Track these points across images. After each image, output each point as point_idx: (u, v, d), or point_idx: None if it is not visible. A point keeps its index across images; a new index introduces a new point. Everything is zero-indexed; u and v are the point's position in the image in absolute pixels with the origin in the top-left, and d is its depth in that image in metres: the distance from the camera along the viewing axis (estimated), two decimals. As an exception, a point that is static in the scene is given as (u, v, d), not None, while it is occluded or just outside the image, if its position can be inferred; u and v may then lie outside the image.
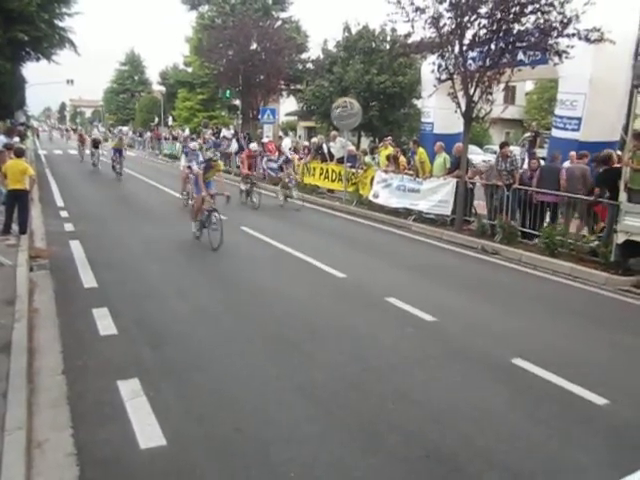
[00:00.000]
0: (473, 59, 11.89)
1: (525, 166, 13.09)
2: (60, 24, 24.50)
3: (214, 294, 7.42)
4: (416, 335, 6.13)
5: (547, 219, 11.15)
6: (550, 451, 3.97)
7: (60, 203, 14.79)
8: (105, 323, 6.08)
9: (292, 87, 36.46)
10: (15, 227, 9.93)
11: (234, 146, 25.05)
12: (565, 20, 10.60)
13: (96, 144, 25.30)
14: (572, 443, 4.08)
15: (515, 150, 15.63)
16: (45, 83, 49.32)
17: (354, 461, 3.75)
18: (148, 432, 3.97)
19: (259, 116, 23.37)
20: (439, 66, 12.07)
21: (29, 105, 53.90)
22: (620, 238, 8.94)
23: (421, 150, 14.37)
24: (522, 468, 3.74)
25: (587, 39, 10.59)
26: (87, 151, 28.51)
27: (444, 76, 12.15)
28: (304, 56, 36.07)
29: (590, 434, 4.21)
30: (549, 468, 3.77)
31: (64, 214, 13.03)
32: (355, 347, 5.71)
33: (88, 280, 7.71)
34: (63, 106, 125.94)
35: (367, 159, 16.27)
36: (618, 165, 10.01)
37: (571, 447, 4.03)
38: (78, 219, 12.30)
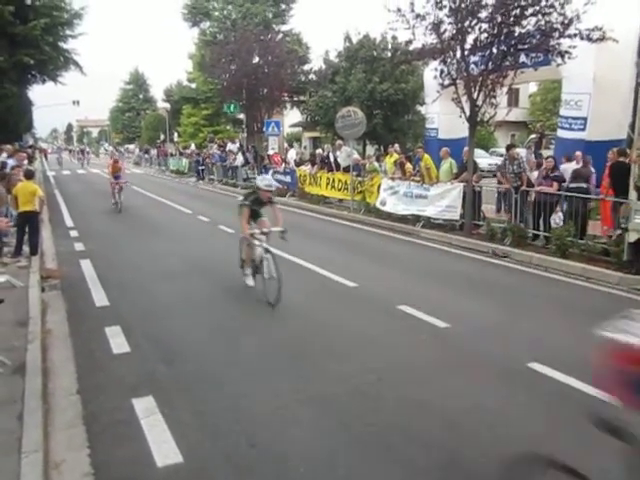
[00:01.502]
0: (475, 63, 11.91)
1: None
2: (64, 46, 24.84)
3: (225, 309, 7.41)
4: (430, 342, 6.09)
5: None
6: (573, 456, 3.90)
7: (70, 223, 14.89)
8: (118, 341, 6.09)
9: (295, 98, 36.63)
10: (26, 249, 10.00)
11: (240, 159, 25.23)
12: (566, 21, 10.59)
13: (260, 207, 8.16)
14: (595, 447, 4.01)
15: (521, 152, 15.57)
16: (51, 105, 50.00)
17: (372, 473, 3.71)
18: (164, 450, 3.96)
19: (264, 129, 23.47)
20: (441, 72, 12.10)
21: (36, 127, 54.74)
22: (632, 237, 8.87)
23: (426, 156, 14.35)
24: (543, 474, 3.68)
25: (589, 39, 10.57)
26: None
27: (447, 81, 12.18)
28: (306, 67, 36.28)
29: (613, 438, 4.14)
30: (571, 473, 3.71)
31: (74, 234, 13.12)
32: (369, 357, 5.67)
33: (100, 299, 7.74)
34: (70, 127, 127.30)
35: (375, 164, 16.32)
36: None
37: (594, 451, 3.96)
38: (88, 238, 12.37)
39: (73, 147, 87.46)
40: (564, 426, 4.29)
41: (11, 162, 13.83)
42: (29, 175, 10.51)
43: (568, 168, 11.95)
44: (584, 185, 10.73)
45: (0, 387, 4.77)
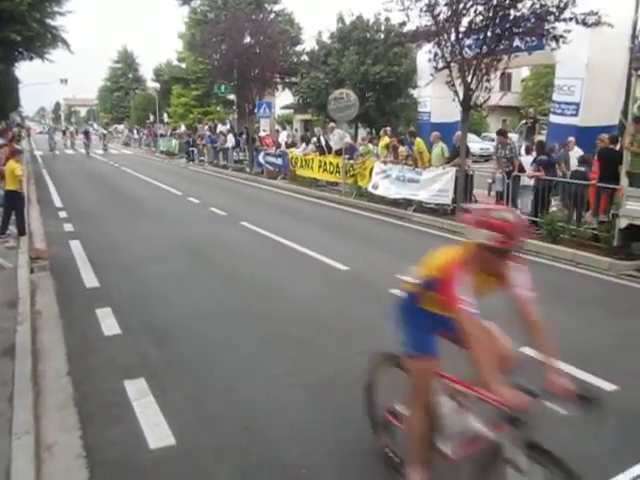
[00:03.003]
0: (469, 47, 11.82)
1: (523, 152, 12.99)
2: (52, 23, 24.35)
3: (217, 291, 7.38)
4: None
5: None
6: (563, 440, 3.94)
7: (58, 203, 14.72)
8: (109, 323, 6.05)
9: (287, 80, 36.24)
10: (13, 229, 9.88)
11: (231, 141, 25.01)
12: (561, 4, 10.52)
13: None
14: (584, 432, 4.05)
15: (513, 137, 15.58)
16: (39, 83, 49.23)
17: (369, 458, 3.72)
18: (157, 432, 3.95)
19: (255, 110, 23.26)
20: (435, 55, 12.00)
21: (23, 106, 53.67)
22: (622, 223, 8.92)
23: (419, 140, 14.31)
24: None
25: (584, 23, 10.51)
26: None
27: (441, 65, 12.09)
28: (298, 48, 35.86)
29: (600, 421, 4.18)
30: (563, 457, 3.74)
31: (63, 214, 12.97)
32: (362, 340, 5.66)
33: (90, 280, 7.67)
34: (57, 106, 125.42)
35: (369, 146, 16.23)
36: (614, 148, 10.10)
37: (581, 435, 4.00)
38: (77, 219, 12.25)
39: (68, 126, 67.65)
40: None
41: (-1, 141, 13.63)
42: (12, 153, 10.33)
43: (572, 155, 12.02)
44: (582, 169, 10.73)
45: (-10, 368, 4.72)
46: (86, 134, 36.70)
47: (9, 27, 20.96)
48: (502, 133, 12.63)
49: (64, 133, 48.41)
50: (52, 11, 24.09)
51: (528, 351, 3.80)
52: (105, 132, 49.81)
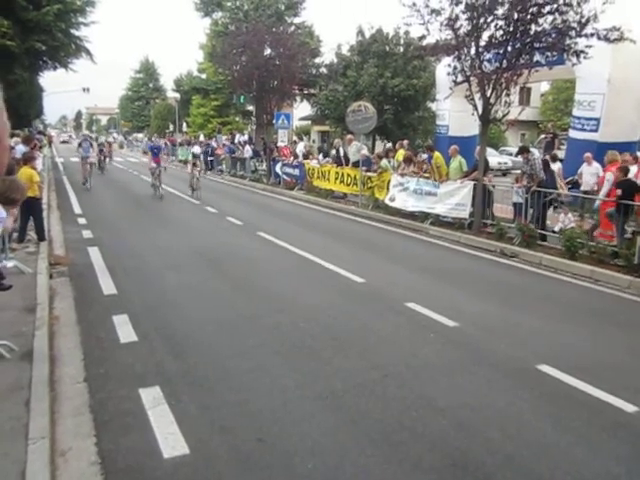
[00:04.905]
0: (489, 61, 11.80)
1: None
2: (76, 33, 24.78)
3: (234, 301, 7.39)
4: (438, 341, 6.05)
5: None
6: (580, 460, 3.87)
7: (78, 210, 14.91)
8: (125, 330, 6.08)
9: (306, 92, 36.51)
10: (33, 235, 10.00)
11: (249, 151, 25.20)
12: (583, 20, 10.47)
13: None
14: (602, 451, 3.98)
15: (536, 152, 15.50)
16: (61, 92, 50.07)
17: (379, 471, 3.69)
18: (171, 441, 3.95)
19: (273, 121, 23.44)
20: (455, 68, 12.00)
21: (46, 114, 54.61)
22: (643, 240, 8.81)
23: (437, 154, 14.29)
24: (552, 477, 3.65)
25: (607, 39, 10.44)
26: None
27: (460, 78, 12.08)
28: (317, 61, 36.14)
29: (620, 442, 4.11)
30: (580, 477, 3.68)
31: (82, 221, 13.13)
32: (376, 353, 5.64)
33: (108, 287, 7.73)
34: (79, 114, 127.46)
35: (384, 163, 16.21)
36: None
37: (601, 455, 3.93)
38: (96, 226, 12.38)
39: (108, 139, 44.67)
40: (571, 429, 4.25)
41: (20, 148, 13.76)
42: (26, 160, 10.41)
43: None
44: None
45: (8, 373, 4.77)
46: (156, 152, 20.08)
47: (35, 37, 21.37)
48: (524, 150, 12.54)
49: (100, 147, 29.39)
50: (77, 22, 24.53)
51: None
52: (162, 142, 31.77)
